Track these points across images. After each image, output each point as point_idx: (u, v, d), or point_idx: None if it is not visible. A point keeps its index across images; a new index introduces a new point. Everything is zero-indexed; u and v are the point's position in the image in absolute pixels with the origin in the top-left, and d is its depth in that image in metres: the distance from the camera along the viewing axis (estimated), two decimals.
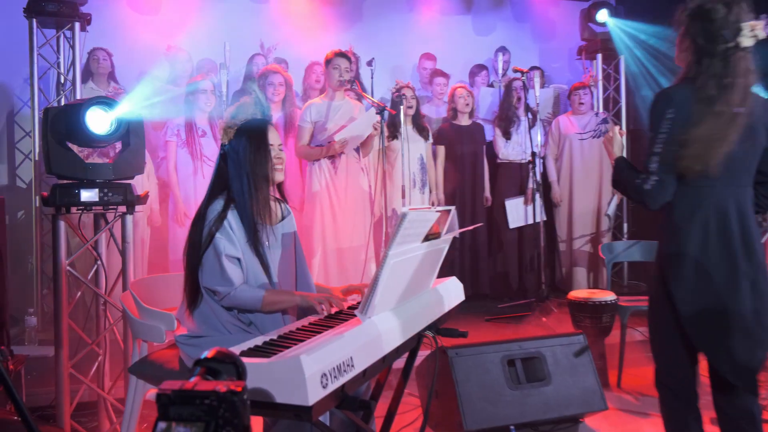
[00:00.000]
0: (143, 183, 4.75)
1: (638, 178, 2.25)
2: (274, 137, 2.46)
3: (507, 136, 5.83)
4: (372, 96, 5.13)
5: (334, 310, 2.28)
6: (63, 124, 3.06)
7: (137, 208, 3.39)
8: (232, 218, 2.34)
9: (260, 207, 2.40)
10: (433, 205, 5.48)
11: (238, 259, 2.33)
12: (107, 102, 3.11)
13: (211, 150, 4.75)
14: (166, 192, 4.92)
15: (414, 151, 5.30)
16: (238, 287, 2.29)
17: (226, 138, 2.42)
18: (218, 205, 2.36)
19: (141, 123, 3.27)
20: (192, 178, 4.75)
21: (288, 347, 1.80)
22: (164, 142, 4.86)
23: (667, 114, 2.19)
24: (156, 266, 4.89)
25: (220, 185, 2.42)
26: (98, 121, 3.08)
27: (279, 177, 2.48)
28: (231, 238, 2.31)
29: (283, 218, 2.58)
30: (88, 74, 5.28)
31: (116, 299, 3.33)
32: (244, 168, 2.37)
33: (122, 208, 3.31)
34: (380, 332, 1.90)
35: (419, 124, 5.42)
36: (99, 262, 3.45)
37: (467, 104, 5.72)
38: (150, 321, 2.58)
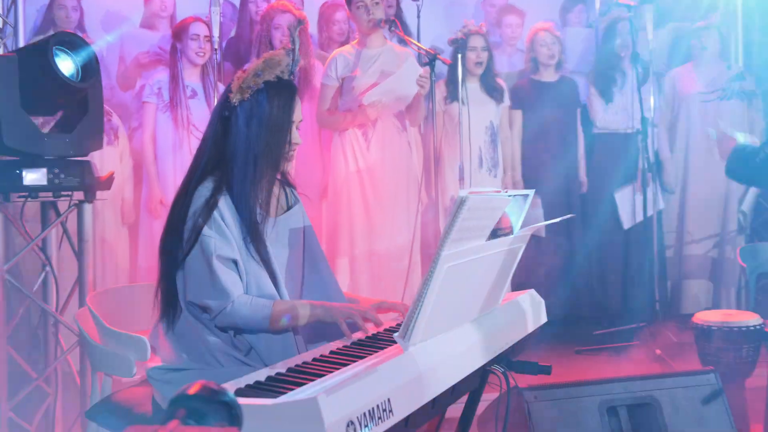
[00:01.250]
0: (109, 164, 4.77)
1: None
2: (298, 112, 2.48)
3: (608, 96, 5.74)
4: (418, 42, 5.10)
5: (369, 329, 2.28)
6: (24, 76, 3.08)
7: (99, 194, 3.43)
8: (225, 207, 2.35)
9: (263, 196, 2.42)
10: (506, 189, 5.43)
11: (234, 262, 2.33)
12: (69, 39, 3.14)
13: (202, 116, 4.79)
14: (140, 174, 4.98)
15: (481, 116, 5.24)
16: (236, 299, 2.30)
17: (239, 97, 2.42)
18: (206, 188, 2.37)
19: (98, 76, 3.29)
20: (173, 153, 4.79)
21: (301, 384, 1.79)
22: (141, 105, 4.91)
23: None
24: (134, 276, 4.94)
25: (212, 160, 2.43)
26: (66, 69, 3.12)
27: (288, 167, 2.54)
28: (224, 234, 2.32)
29: (288, 208, 2.59)
30: (48, 24, 5.37)
31: (71, 318, 3.37)
32: (253, 146, 2.38)
33: (79, 195, 3.35)
34: (429, 366, 1.88)
35: (491, 82, 5.37)
36: (47, 269, 3.50)
37: (552, 55, 5.64)
38: (115, 348, 2.60)
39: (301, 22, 2.56)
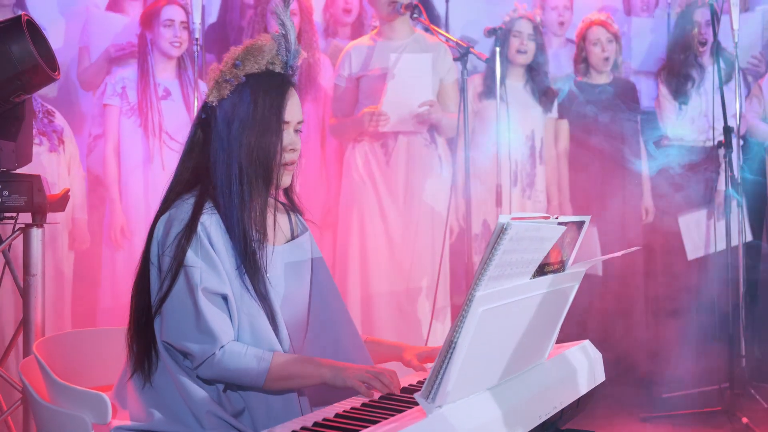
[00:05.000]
0: (54, 176, 4.74)
1: None
2: (293, 110, 2.49)
3: (682, 98, 5.73)
4: (447, 31, 5.11)
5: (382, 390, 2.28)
6: None
7: (50, 217, 3.43)
8: (214, 227, 2.36)
9: (254, 217, 2.42)
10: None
11: (224, 298, 2.33)
12: (31, 24, 3.19)
13: (176, 121, 4.80)
14: (102, 194, 4.98)
15: (521, 123, 5.23)
16: (227, 345, 2.29)
17: (216, 95, 2.45)
18: (188, 204, 2.38)
19: (58, 71, 3.32)
20: (142, 168, 4.80)
21: None
22: (102, 108, 4.93)
23: None
24: (84, 319, 4.93)
25: (193, 173, 2.45)
26: None
27: (286, 180, 2.51)
28: (212, 262, 2.32)
29: (293, 237, 2.60)
30: None
31: (13, 371, 3.37)
32: (235, 154, 2.40)
33: (25, 217, 3.35)
34: None
35: (540, 83, 5.35)
36: None
37: (606, 57, 5.62)
38: (69, 407, 2.58)
39: None
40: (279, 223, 2.58)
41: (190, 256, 2.31)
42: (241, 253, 2.37)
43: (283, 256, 2.52)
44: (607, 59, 5.63)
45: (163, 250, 2.34)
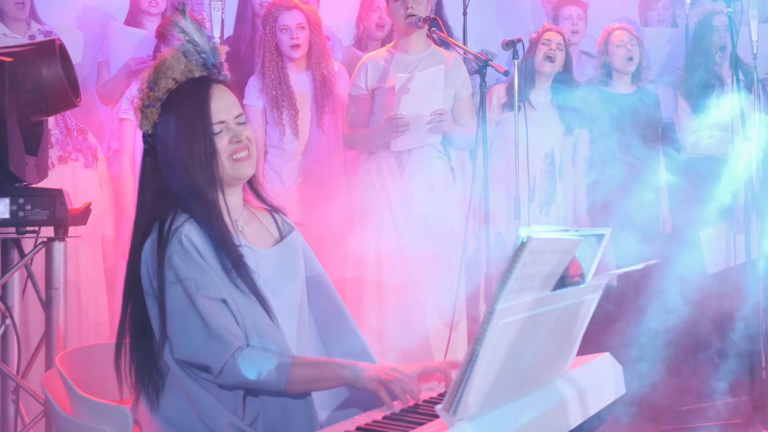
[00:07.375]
0: (87, 192, 4.77)
1: None
2: (222, 106, 2.47)
3: (701, 110, 5.71)
4: (464, 44, 5.11)
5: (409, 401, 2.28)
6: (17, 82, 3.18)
7: (72, 230, 3.45)
8: (195, 236, 2.37)
9: (226, 220, 2.42)
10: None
11: (224, 302, 2.34)
12: (62, 45, 3.25)
13: None
14: (120, 209, 5.00)
15: (540, 139, 5.21)
16: (245, 351, 2.29)
17: (148, 123, 2.46)
18: (155, 231, 2.39)
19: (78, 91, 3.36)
20: None
21: None
22: (118, 123, 4.94)
23: None
24: (110, 333, 4.95)
25: (156, 199, 2.46)
26: None
27: (243, 172, 2.49)
28: (204, 270, 2.33)
29: (282, 238, 2.62)
30: None
31: (36, 384, 3.38)
32: (179, 170, 2.40)
33: (48, 231, 3.37)
34: None
35: (568, 99, 5.34)
36: (8, 321, 3.51)
37: (630, 57, 5.62)
38: (91, 420, 2.59)
39: (179, 7, 2.51)
40: (264, 226, 2.60)
41: (182, 269, 2.31)
42: (226, 253, 2.37)
43: (274, 257, 2.53)
44: (631, 59, 5.60)
45: (153, 274, 2.34)
